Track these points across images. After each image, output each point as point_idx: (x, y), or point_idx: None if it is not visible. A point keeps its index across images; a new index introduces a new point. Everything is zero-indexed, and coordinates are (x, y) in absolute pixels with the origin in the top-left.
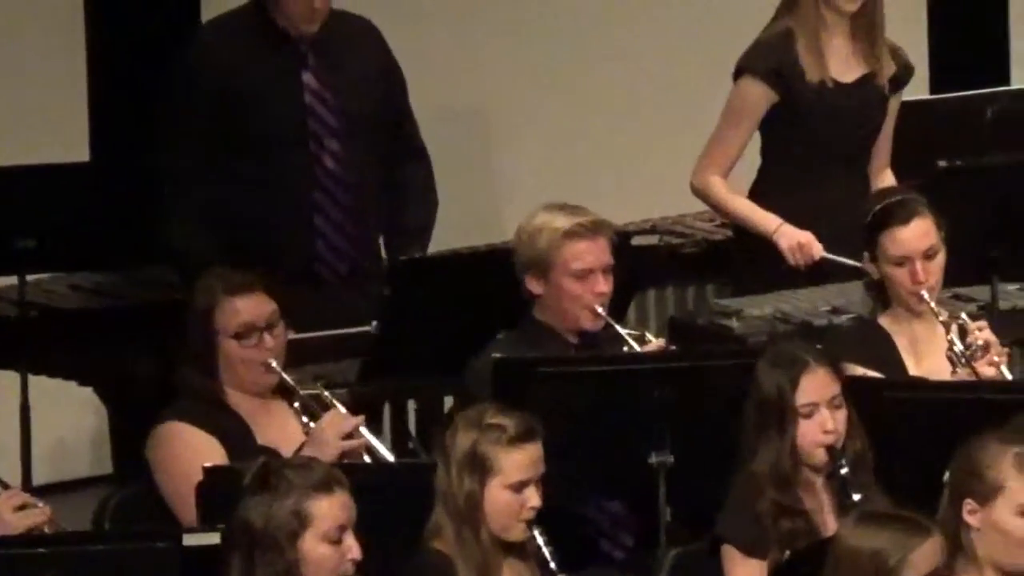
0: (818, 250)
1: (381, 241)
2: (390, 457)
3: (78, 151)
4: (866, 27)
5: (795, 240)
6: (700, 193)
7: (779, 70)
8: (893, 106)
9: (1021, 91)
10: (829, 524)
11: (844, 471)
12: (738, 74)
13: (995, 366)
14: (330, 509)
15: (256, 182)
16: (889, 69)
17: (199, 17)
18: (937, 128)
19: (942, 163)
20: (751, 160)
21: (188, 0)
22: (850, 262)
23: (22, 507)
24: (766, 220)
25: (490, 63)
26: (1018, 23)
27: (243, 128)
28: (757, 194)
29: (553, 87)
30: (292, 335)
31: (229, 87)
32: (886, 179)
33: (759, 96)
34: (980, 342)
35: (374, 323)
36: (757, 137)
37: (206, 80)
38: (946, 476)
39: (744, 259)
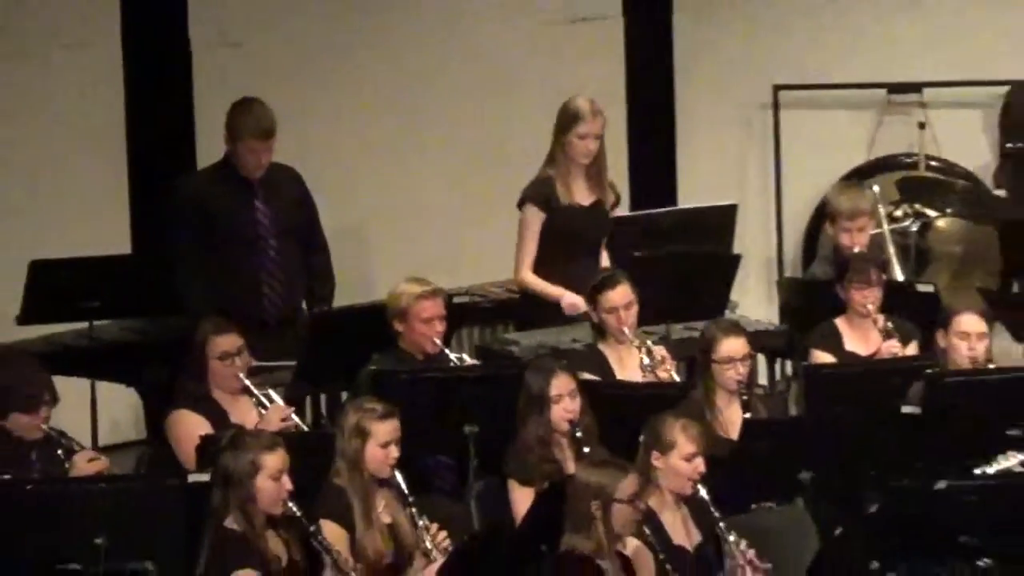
0: (582, 305)
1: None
2: (305, 429)
3: (123, 246)
4: (596, 172)
5: (571, 301)
6: (520, 286)
7: (546, 199)
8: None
9: (685, 209)
10: (570, 467)
11: (579, 434)
12: (522, 203)
13: (668, 373)
14: (273, 460)
15: (229, 266)
16: (611, 198)
17: (195, 143)
18: (629, 233)
19: (637, 253)
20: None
21: (188, 140)
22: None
23: (91, 460)
24: (558, 291)
25: (365, 180)
26: (683, 157)
27: (220, 235)
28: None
29: (404, 197)
30: (254, 363)
31: (211, 209)
32: (605, 258)
33: (536, 216)
34: (659, 358)
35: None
36: None
37: (196, 206)
38: (641, 437)
39: (528, 311)
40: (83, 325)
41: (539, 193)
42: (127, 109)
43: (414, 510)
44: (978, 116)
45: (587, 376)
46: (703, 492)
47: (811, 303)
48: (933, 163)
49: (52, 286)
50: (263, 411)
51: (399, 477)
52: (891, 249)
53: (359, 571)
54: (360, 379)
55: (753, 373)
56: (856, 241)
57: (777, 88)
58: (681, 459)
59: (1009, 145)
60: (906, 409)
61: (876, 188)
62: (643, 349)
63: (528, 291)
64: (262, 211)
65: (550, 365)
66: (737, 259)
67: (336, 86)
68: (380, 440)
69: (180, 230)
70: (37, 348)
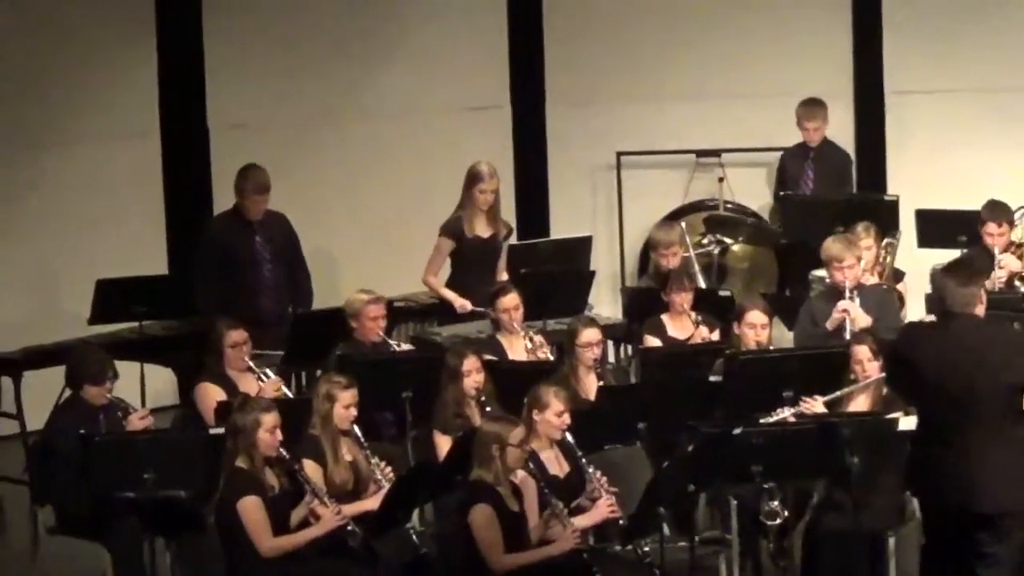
0: (469, 306)
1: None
2: (291, 397)
3: (162, 269)
4: (492, 214)
5: (460, 303)
6: (426, 284)
7: (456, 232)
8: (505, 246)
9: (556, 239)
10: (477, 421)
11: (483, 398)
12: (441, 233)
13: (545, 354)
14: (269, 418)
15: (238, 282)
16: (503, 231)
17: (212, 196)
18: (518, 256)
19: (523, 270)
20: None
21: (207, 194)
22: (481, 310)
23: (142, 418)
24: (455, 297)
25: (332, 222)
26: (555, 203)
27: (233, 259)
28: (451, 283)
29: (358, 233)
30: (255, 351)
31: (225, 242)
32: (504, 273)
33: (447, 244)
34: (538, 344)
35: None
36: None
37: (214, 240)
38: (525, 400)
39: (446, 312)
40: (135, 324)
41: (452, 228)
42: (164, 174)
43: (368, 452)
44: (762, 172)
45: (488, 357)
46: (569, 437)
47: (644, 304)
48: (729, 206)
49: (113, 297)
50: (262, 384)
51: (356, 429)
52: (696, 267)
53: (329, 495)
54: (329, 361)
55: (604, 354)
56: (670, 263)
57: (619, 154)
58: (554, 415)
59: (781, 193)
60: (712, 378)
61: (684, 224)
62: (527, 337)
63: (429, 288)
64: (260, 244)
65: (462, 349)
66: (592, 274)
67: (313, 156)
68: (344, 403)
69: (204, 257)
70: (103, 340)
